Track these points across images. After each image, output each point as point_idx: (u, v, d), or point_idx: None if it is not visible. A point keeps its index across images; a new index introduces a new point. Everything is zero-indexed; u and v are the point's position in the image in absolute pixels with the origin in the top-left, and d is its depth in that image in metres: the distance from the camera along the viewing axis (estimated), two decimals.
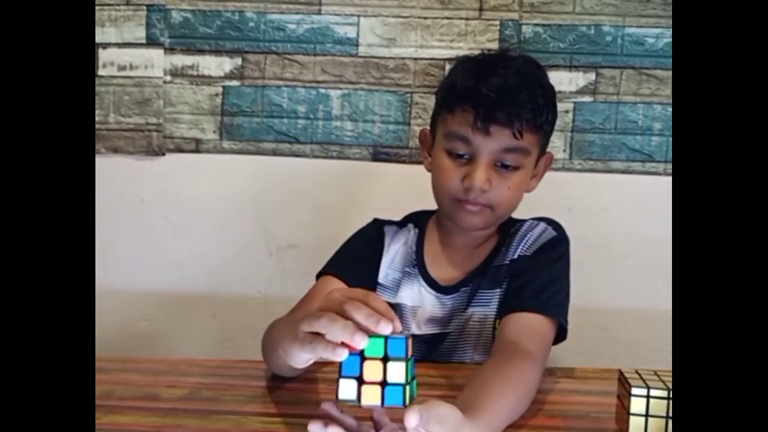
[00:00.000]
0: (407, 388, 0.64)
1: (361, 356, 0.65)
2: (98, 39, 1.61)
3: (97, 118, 1.62)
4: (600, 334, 1.61)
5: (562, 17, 1.58)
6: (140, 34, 1.61)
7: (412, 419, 0.63)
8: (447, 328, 1.07)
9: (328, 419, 0.68)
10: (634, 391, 0.77)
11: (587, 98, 1.59)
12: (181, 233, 1.66)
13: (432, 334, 1.07)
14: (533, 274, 1.01)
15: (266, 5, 1.60)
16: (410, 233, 1.13)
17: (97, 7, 1.59)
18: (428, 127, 1.09)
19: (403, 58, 1.60)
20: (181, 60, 1.62)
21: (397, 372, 0.64)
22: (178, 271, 1.66)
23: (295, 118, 1.62)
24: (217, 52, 1.61)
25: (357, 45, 1.60)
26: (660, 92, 1.58)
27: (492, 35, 1.58)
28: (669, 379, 0.78)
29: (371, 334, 0.64)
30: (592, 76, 1.59)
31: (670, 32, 1.56)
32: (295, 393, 0.91)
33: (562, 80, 1.56)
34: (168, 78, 1.62)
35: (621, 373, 0.81)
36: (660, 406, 0.76)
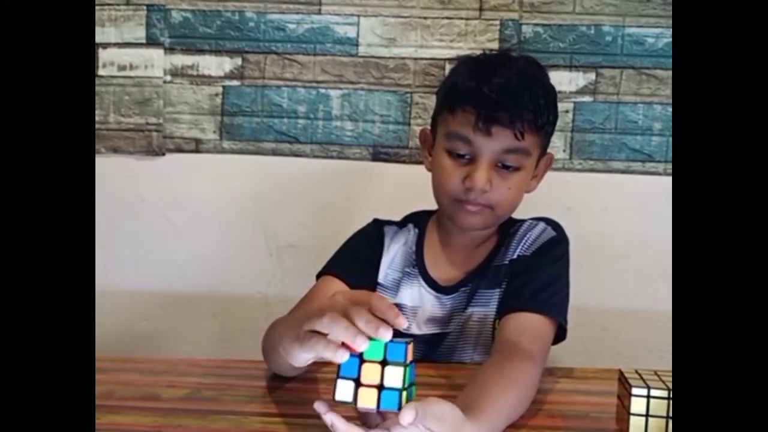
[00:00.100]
0: (404, 393, 0.64)
1: (360, 358, 0.65)
2: (98, 39, 1.60)
3: (97, 118, 1.62)
4: (600, 334, 1.61)
5: (562, 17, 1.58)
6: (140, 34, 1.61)
7: (407, 416, 0.63)
8: (447, 328, 1.07)
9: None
10: (634, 391, 0.77)
11: (587, 98, 1.59)
12: (181, 233, 1.66)
13: (432, 334, 1.07)
14: (533, 274, 1.01)
15: (266, 5, 1.60)
16: (410, 233, 1.13)
17: (97, 7, 1.59)
18: (429, 127, 1.09)
19: (403, 58, 1.60)
20: (181, 60, 1.62)
21: (394, 376, 0.64)
22: (178, 271, 1.66)
23: (295, 118, 1.62)
24: (217, 52, 1.61)
25: (357, 45, 1.60)
26: (660, 92, 1.58)
27: (492, 35, 1.58)
28: (669, 379, 0.78)
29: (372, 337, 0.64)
30: (592, 76, 1.59)
31: (670, 32, 1.56)
32: (295, 393, 0.91)
33: (562, 80, 1.56)
34: (168, 78, 1.62)
35: (621, 373, 0.81)
36: (660, 406, 0.76)
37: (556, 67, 1.56)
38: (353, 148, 1.62)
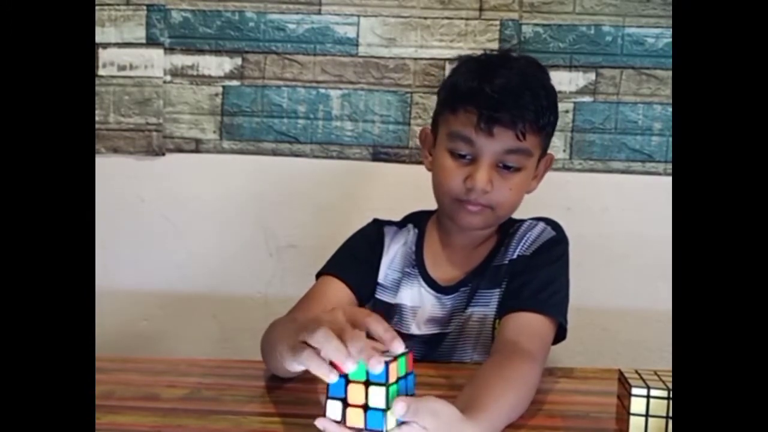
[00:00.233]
0: (388, 413, 0.65)
1: (346, 379, 0.66)
2: (98, 39, 1.61)
3: (97, 118, 1.62)
4: (600, 334, 1.61)
5: (562, 17, 1.58)
6: (140, 34, 1.61)
7: (399, 408, 0.64)
8: (447, 328, 1.07)
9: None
10: (634, 391, 0.77)
11: (587, 98, 1.59)
12: (181, 233, 1.66)
13: (432, 334, 1.07)
14: (532, 273, 1.01)
15: (266, 5, 1.60)
16: (410, 233, 1.13)
17: (97, 7, 1.59)
18: (429, 127, 1.09)
19: (403, 58, 1.60)
20: (181, 60, 1.62)
21: (377, 397, 0.65)
22: (178, 271, 1.66)
23: (295, 118, 1.62)
24: (217, 52, 1.61)
25: (357, 45, 1.60)
26: (660, 92, 1.58)
27: (492, 35, 1.58)
28: (669, 379, 0.78)
29: None
30: (592, 76, 1.59)
31: (670, 32, 1.56)
32: (295, 393, 0.91)
33: (562, 80, 1.56)
34: (168, 78, 1.62)
35: (621, 373, 0.81)
36: (660, 406, 0.76)
37: (556, 67, 1.56)
38: (353, 148, 1.62)
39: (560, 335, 1.01)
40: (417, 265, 1.09)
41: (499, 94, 0.96)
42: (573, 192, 1.59)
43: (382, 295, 1.10)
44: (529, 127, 0.97)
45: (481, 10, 1.58)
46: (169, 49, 1.62)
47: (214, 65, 1.62)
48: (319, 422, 0.67)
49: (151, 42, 1.61)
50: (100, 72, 1.62)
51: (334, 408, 0.66)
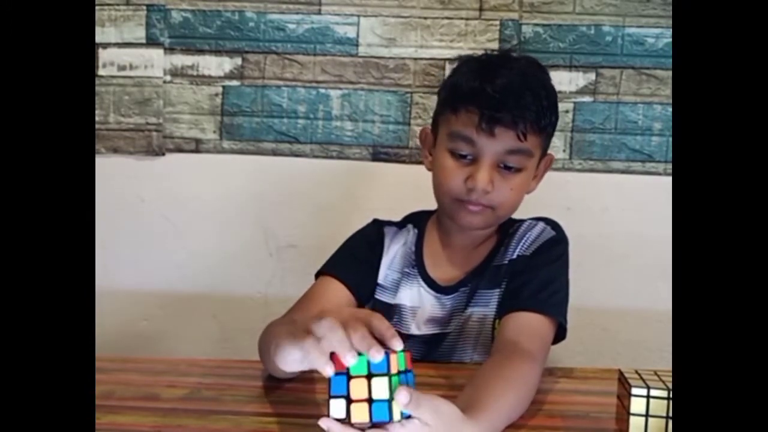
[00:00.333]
0: (393, 403, 0.65)
1: (348, 376, 0.66)
2: (98, 39, 1.61)
3: (97, 118, 1.62)
4: (600, 334, 1.61)
5: (562, 17, 1.58)
6: (140, 34, 1.61)
7: (402, 396, 0.64)
8: (446, 328, 1.07)
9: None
10: (634, 391, 0.76)
11: (587, 98, 1.59)
12: (181, 233, 1.66)
13: (432, 335, 1.07)
14: (532, 273, 1.01)
15: (266, 5, 1.60)
16: (409, 234, 1.12)
17: (97, 7, 1.59)
18: (429, 126, 1.09)
19: (403, 58, 1.60)
20: (181, 60, 1.62)
21: (380, 388, 0.65)
22: (178, 271, 1.66)
23: (295, 118, 1.62)
24: (217, 52, 1.61)
25: (357, 45, 1.60)
26: (660, 92, 1.58)
27: (492, 35, 1.58)
28: (669, 379, 0.78)
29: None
30: (592, 76, 1.59)
31: (670, 32, 1.56)
32: (295, 393, 0.91)
33: (562, 80, 1.56)
34: (168, 78, 1.62)
35: (621, 373, 0.81)
36: (660, 406, 0.76)
37: (556, 67, 1.56)
38: (353, 148, 1.62)
39: (560, 335, 1.01)
40: (417, 265, 1.09)
41: (501, 95, 0.96)
42: (573, 192, 1.59)
43: (381, 296, 1.10)
44: (530, 128, 0.97)
45: (481, 10, 1.58)
46: (169, 49, 1.62)
47: (214, 65, 1.62)
48: (323, 422, 0.67)
49: (151, 42, 1.61)
50: (100, 72, 1.62)
51: (337, 406, 0.66)
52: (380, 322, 0.68)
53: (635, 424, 0.77)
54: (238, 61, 1.61)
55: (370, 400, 0.65)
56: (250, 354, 0.99)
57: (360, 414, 0.65)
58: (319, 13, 1.60)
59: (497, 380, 0.82)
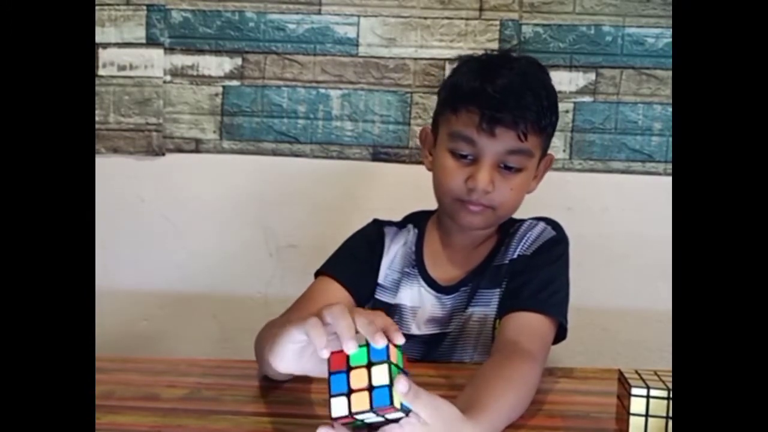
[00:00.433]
0: (392, 389, 0.65)
1: (348, 371, 0.66)
2: (98, 39, 1.61)
3: (97, 118, 1.62)
4: (600, 334, 1.61)
5: (562, 17, 1.58)
6: (140, 34, 1.61)
7: (402, 383, 0.64)
8: (447, 328, 1.07)
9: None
10: (634, 391, 0.76)
11: (587, 98, 1.59)
12: (181, 233, 1.66)
13: (432, 334, 1.07)
14: (532, 273, 1.01)
15: (266, 5, 1.60)
16: (410, 233, 1.12)
17: (97, 7, 1.59)
18: (429, 126, 1.09)
19: (403, 58, 1.60)
20: (181, 60, 1.62)
21: (381, 374, 0.66)
22: (178, 271, 1.66)
23: (295, 118, 1.62)
24: (217, 52, 1.61)
25: (357, 45, 1.60)
26: (660, 92, 1.58)
27: (492, 35, 1.58)
28: (669, 379, 0.78)
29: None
30: (592, 76, 1.59)
31: (670, 32, 1.56)
32: (295, 393, 0.91)
33: (562, 80, 1.56)
34: (168, 78, 1.62)
35: (621, 373, 0.81)
36: (660, 406, 0.76)
37: (556, 67, 1.56)
38: (353, 148, 1.62)
39: (560, 335, 1.01)
40: (417, 265, 1.09)
41: (501, 95, 0.96)
42: (573, 192, 1.59)
43: (381, 296, 1.10)
44: (530, 128, 0.97)
45: (481, 10, 1.58)
46: (169, 49, 1.62)
47: (214, 65, 1.62)
48: (320, 430, 0.67)
49: (151, 42, 1.61)
50: (100, 72, 1.62)
51: (338, 404, 0.66)
52: (384, 319, 0.69)
53: (635, 424, 0.77)
54: (238, 61, 1.61)
55: (370, 389, 0.65)
56: (250, 354, 0.99)
57: (360, 402, 0.65)
58: (319, 13, 1.60)
59: (497, 380, 0.82)
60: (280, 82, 1.61)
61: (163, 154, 1.64)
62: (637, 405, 0.76)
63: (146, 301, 1.66)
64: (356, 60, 1.60)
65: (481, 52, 1.09)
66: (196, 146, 1.64)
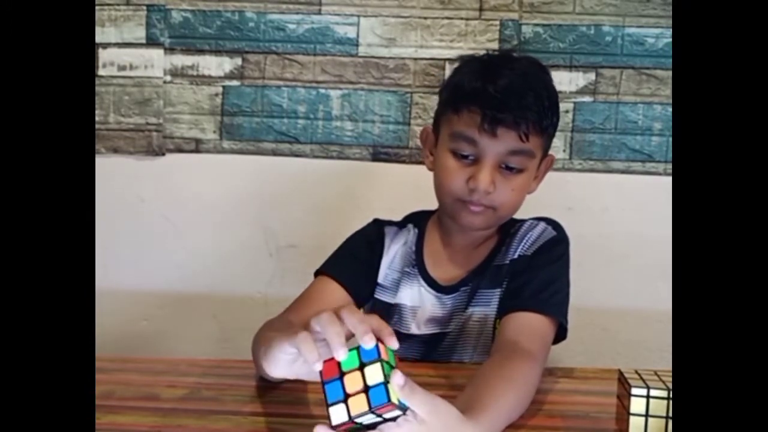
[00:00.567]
0: (388, 386, 0.65)
1: (341, 378, 0.66)
2: (98, 39, 1.61)
3: (97, 118, 1.62)
4: (600, 334, 1.61)
5: (562, 17, 1.58)
6: (140, 34, 1.61)
7: (398, 377, 0.64)
8: (447, 327, 1.07)
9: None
10: (634, 391, 0.77)
11: (587, 98, 1.59)
12: (181, 233, 1.66)
13: (432, 334, 1.07)
14: (533, 273, 1.01)
15: (266, 5, 1.60)
16: (410, 233, 1.12)
17: (97, 7, 1.59)
18: (430, 126, 1.09)
19: (403, 58, 1.60)
20: (181, 60, 1.62)
21: (374, 374, 0.66)
22: (178, 271, 1.66)
23: (295, 118, 1.62)
24: (217, 52, 1.61)
25: (357, 45, 1.60)
26: (660, 92, 1.58)
27: (492, 35, 1.58)
28: (669, 379, 0.78)
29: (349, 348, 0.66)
30: (592, 76, 1.59)
31: (670, 32, 1.56)
32: (295, 393, 0.91)
33: (562, 80, 1.56)
34: (168, 78, 1.62)
35: (621, 373, 0.81)
36: (660, 406, 0.76)
37: (556, 67, 1.56)
38: (353, 148, 1.62)
39: (561, 335, 1.01)
40: (417, 264, 1.09)
41: (503, 95, 0.96)
42: (573, 192, 1.59)
43: (381, 295, 1.10)
44: (532, 128, 0.97)
45: (481, 10, 1.58)
46: (169, 49, 1.62)
47: (214, 65, 1.62)
48: (317, 429, 0.67)
49: (151, 42, 1.61)
50: (100, 72, 1.62)
51: (338, 411, 0.66)
52: (379, 322, 0.68)
53: (635, 424, 0.77)
54: (238, 61, 1.61)
55: (366, 390, 0.65)
56: (249, 354, 0.99)
57: (358, 405, 0.65)
58: (319, 13, 1.60)
59: (497, 380, 0.82)
60: (280, 82, 1.61)
61: (163, 154, 1.64)
62: (637, 405, 0.76)
63: (146, 301, 1.66)
64: (356, 60, 1.60)
65: (482, 52, 1.09)
66: (196, 146, 1.64)
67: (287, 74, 1.61)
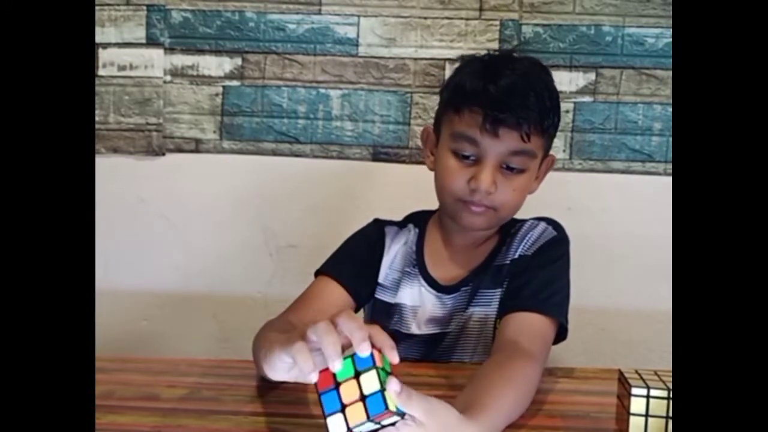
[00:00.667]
0: (385, 393, 0.65)
1: (337, 387, 0.66)
2: (98, 39, 1.61)
3: (97, 118, 1.62)
4: (600, 334, 1.61)
5: (562, 17, 1.58)
6: (140, 34, 1.61)
7: (394, 383, 0.64)
8: (447, 327, 1.07)
9: None
10: (634, 391, 0.77)
11: (587, 98, 1.59)
12: (181, 233, 1.66)
13: (432, 334, 1.07)
14: (533, 273, 1.01)
15: (266, 5, 1.60)
16: (410, 233, 1.12)
17: (97, 7, 1.59)
18: (431, 126, 1.09)
19: (403, 58, 1.60)
20: (181, 60, 1.62)
21: (370, 382, 0.65)
22: (178, 271, 1.66)
23: (295, 118, 1.62)
24: (217, 52, 1.61)
25: (357, 45, 1.60)
26: (660, 92, 1.58)
27: (492, 35, 1.58)
28: (669, 379, 0.78)
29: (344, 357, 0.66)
30: (592, 76, 1.59)
31: (670, 32, 1.56)
32: (295, 393, 0.91)
33: (562, 80, 1.56)
34: (168, 78, 1.62)
35: (621, 373, 0.81)
36: (660, 406, 0.76)
37: (556, 67, 1.56)
38: (353, 148, 1.62)
39: (561, 335, 1.01)
40: (417, 264, 1.09)
41: (504, 95, 0.95)
42: (573, 192, 1.59)
43: (382, 295, 1.10)
44: (533, 129, 0.97)
45: (481, 10, 1.58)
46: (169, 49, 1.62)
47: (214, 65, 1.62)
48: None
49: (151, 42, 1.61)
50: (100, 72, 1.62)
51: (335, 423, 0.66)
52: (380, 334, 0.68)
53: (635, 424, 0.77)
54: (238, 61, 1.61)
55: (363, 399, 0.65)
56: (249, 354, 0.99)
57: (356, 415, 0.65)
58: (319, 13, 1.60)
59: (497, 380, 0.82)
60: (280, 82, 1.61)
61: (163, 154, 1.64)
62: (637, 405, 0.76)
63: (146, 301, 1.66)
64: (356, 60, 1.60)
65: (482, 52, 1.09)
66: (196, 146, 1.64)
67: (287, 74, 1.61)
